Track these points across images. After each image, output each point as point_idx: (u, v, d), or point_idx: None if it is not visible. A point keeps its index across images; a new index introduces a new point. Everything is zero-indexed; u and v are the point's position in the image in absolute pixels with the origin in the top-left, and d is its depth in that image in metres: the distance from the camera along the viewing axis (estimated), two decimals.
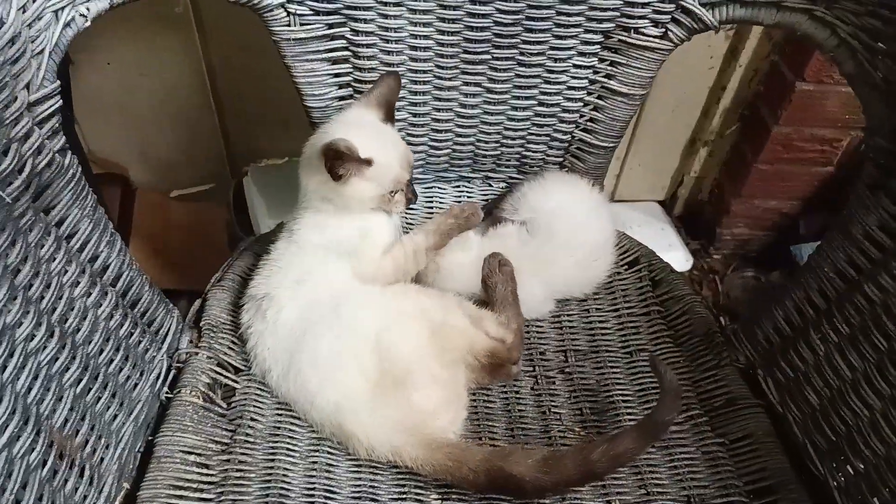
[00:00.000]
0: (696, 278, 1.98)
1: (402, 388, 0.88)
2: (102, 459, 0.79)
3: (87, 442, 0.77)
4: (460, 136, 1.19)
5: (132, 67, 1.62)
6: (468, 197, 1.26)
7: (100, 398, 0.80)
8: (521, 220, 1.10)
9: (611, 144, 1.17)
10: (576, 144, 1.18)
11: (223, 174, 1.94)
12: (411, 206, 1.05)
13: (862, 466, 0.83)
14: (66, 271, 0.79)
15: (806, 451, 0.90)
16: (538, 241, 1.08)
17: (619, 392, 1.01)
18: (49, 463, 0.70)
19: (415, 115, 1.15)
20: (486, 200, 1.26)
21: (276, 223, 1.86)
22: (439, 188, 1.27)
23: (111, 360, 0.83)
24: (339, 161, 0.90)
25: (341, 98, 1.10)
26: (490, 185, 1.28)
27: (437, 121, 1.16)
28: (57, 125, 0.77)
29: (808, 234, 1.85)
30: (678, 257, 1.93)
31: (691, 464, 0.92)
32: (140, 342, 0.89)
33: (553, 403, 1.01)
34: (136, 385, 0.87)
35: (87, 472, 0.75)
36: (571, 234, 1.09)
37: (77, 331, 0.78)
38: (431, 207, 1.25)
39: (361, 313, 0.92)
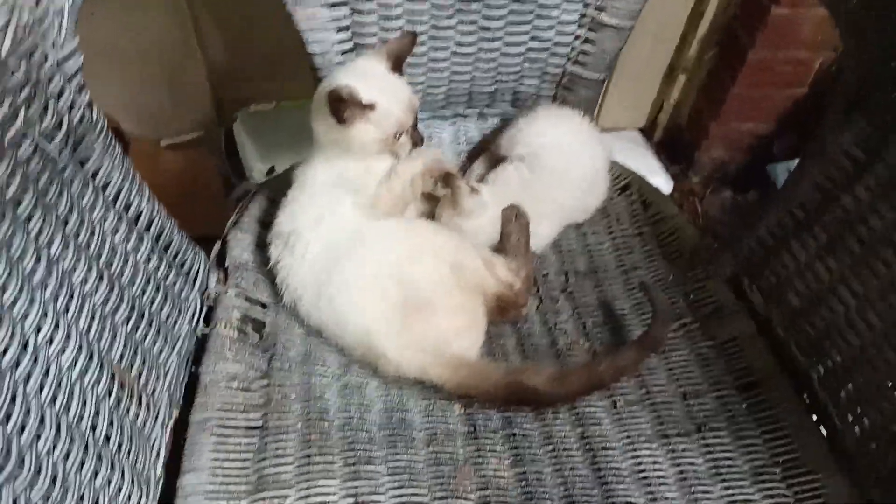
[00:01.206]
0: (676, 201, 2.07)
1: (426, 314, 0.95)
2: (154, 390, 0.86)
3: (140, 374, 0.83)
4: (457, 73, 1.23)
5: (117, 17, 1.62)
6: (465, 133, 1.32)
7: (147, 335, 0.86)
8: (519, 157, 1.15)
9: (601, 76, 1.22)
10: (567, 77, 1.23)
11: (212, 122, 1.95)
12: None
13: (839, 359, 0.93)
14: (106, 219, 0.83)
15: (788, 347, 1.00)
16: (538, 179, 1.13)
17: (618, 307, 1.10)
18: (114, 392, 0.76)
19: (413, 55, 1.18)
20: (483, 136, 1.31)
21: (267, 167, 1.92)
22: (437, 125, 1.31)
23: (153, 300, 0.89)
24: (342, 105, 0.95)
25: (341, 41, 1.13)
26: (485, 120, 1.33)
27: (435, 60, 1.20)
28: (82, 81, 0.81)
29: (781, 153, 1.94)
30: (659, 182, 1.98)
31: (685, 365, 1.01)
32: (175, 282, 0.95)
33: (558, 320, 1.09)
34: (175, 322, 0.93)
35: (143, 400, 0.82)
36: (569, 168, 1.15)
37: (121, 274, 0.84)
38: (430, 145, 1.30)
39: (381, 248, 0.99)
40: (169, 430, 0.87)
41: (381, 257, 0.99)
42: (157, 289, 0.90)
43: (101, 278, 0.79)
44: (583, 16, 1.15)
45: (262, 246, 1.09)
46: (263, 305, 1.04)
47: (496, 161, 1.21)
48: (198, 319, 0.98)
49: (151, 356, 0.87)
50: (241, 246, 1.08)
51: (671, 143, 2.16)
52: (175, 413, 0.89)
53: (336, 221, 1.02)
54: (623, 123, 2.14)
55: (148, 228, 0.91)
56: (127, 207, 0.88)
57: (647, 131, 2.16)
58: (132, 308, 0.84)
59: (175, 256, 0.97)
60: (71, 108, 0.77)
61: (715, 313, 1.06)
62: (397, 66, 1.04)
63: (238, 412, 0.89)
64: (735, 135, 1.98)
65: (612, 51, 1.18)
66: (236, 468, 0.83)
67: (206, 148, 1.97)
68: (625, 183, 1.26)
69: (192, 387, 0.92)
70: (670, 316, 1.04)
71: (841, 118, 0.95)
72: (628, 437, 0.93)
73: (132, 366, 0.82)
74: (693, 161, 2.07)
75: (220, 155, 1.94)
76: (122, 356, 0.80)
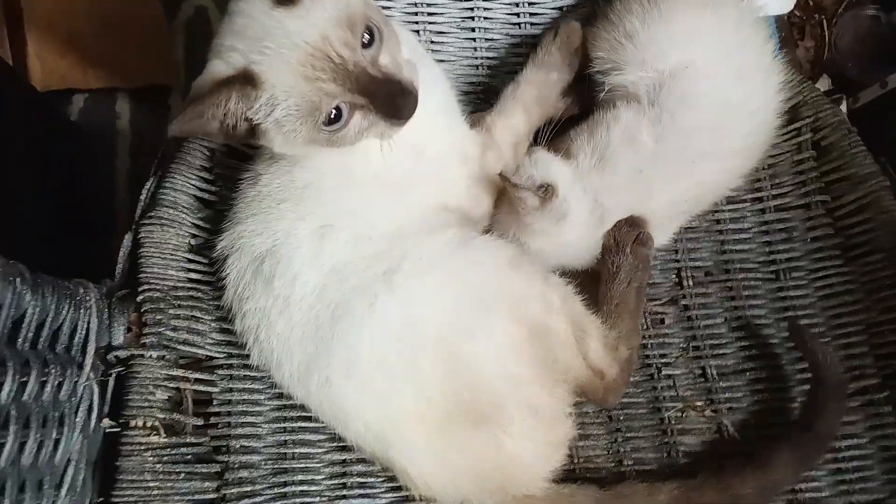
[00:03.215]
0: (797, 22, 1.50)
1: (486, 427, 0.59)
2: None
3: None
4: None
5: None
6: (525, 7, 0.78)
7: None
8: (633, 93, 0.65)
9: None
10: None
11: None
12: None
13: None
14: None
15: None
16: (673, 142, 0.64)
17: (762, 334, 0.71)
18: None
19: None
20: (562, 8, 0.78)
21: None
22: None
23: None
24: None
25: None
26: None
27: None
28: None
29: None
30: None
31: (862, 467, 0.67)
32: (44, 384, 0.55)
33: (664, 360, 0.72)
34: (56, 445, 0.57)
35: None
36: (732, 113, 0.65)
37: None
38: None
39: (418, 294, 0.59)
40: None
41: (419, 318, 0.58)
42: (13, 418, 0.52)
43: None
44: None
45: (201, 246, 0.67)
46: (210, 359, 0.65)
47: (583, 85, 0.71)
48: (98, 412, 0.61)
49: None
50: (161, 253, 0.66)
51: None
52: None
53: (353, 238, 0.61)
54: None
55: None
56: None
57: None
58: None
59: (37, 333, 0.56)
60: None
61: None
62: None
63: None
64: None
65: None
66: None
67: None
68: (790, 105, 0.75)
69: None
70: (842, 386, 0.66)
71: None
72: None
73: None
74: None
75: None
76: None
